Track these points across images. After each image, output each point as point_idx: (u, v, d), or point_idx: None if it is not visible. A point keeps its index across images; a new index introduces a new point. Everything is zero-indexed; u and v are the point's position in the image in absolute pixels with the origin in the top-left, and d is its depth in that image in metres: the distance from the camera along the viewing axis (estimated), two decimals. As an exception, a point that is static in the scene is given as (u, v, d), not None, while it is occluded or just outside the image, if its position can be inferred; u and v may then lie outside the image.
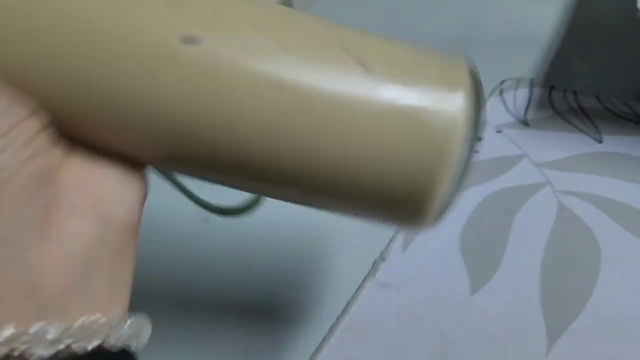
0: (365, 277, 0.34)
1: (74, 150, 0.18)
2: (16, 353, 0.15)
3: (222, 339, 0.34)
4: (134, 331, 0.18)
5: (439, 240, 0.35)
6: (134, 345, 0.17)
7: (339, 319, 0.33)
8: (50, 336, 0.15)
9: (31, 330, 0.15)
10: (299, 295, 0.35)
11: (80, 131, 0.18)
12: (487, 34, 0.52)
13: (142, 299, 0.20)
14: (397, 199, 0.19)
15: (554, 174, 0.38)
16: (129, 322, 0.18)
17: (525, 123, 0.43)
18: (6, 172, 0.15)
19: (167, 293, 0.35)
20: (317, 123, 0.17)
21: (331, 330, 0.32)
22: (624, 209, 0.35)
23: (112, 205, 0.18)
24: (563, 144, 0.40)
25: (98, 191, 0.18)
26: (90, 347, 0.16)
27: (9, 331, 0.15)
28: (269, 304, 0.34)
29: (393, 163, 0.18)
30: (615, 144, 0.40)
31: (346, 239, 0.37)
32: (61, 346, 0.16)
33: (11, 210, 0.16)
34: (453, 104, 0.18)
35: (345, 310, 0.33)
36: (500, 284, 0.33)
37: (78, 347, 0.16)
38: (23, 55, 0.17)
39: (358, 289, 0.34)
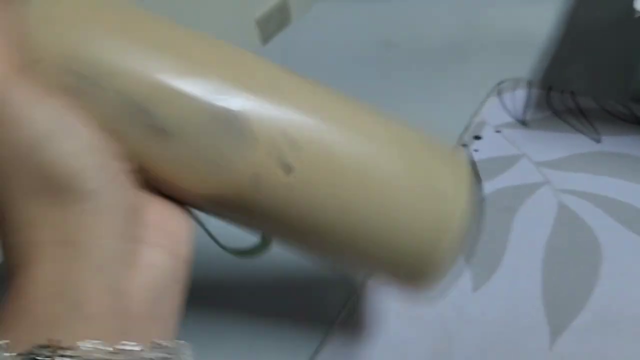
0: (366, 277, 0.34)
1: (152, 195, 0.21)
2: None
3: (228, 337, 0.33)
4: (189, 356, 0.20)
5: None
6: None
7: (340, 318, 0.32)
8: (139, 355, 0.17)
9: (119, 347, 0.17)
10: (301, 295, 0.34)
11: (163, 187, 0.21)
12: (485, 36, 0.53)
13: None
14: (405, 262, 0.22)
15: (553, 173, 0.38)
16: (187, 347, 0.19)
17: (523, 123, 0.43)
18: (108, 202, 0.18)
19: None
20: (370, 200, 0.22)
21: (332, 329, 0.32)
22: (623, 207, 0.35)
23: (181, 242, 0.21)
24: (562, 144, 0.40)
25: (171, 229, 0.21)
26: None
27: (95, 342, 0.17)
28: (273, 302, 0.34)
29: (409, 230, 0.22)
30: (614, 143, 0.40)
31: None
32: None
33: (109, 239, 0.18)
34: (459, 197, 0.22)
35: (346, 309, 0.33)
36: (502, 282, 0.32)
37: None
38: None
39: (360, 288, 0.34)
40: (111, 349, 0.17)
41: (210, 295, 0.35)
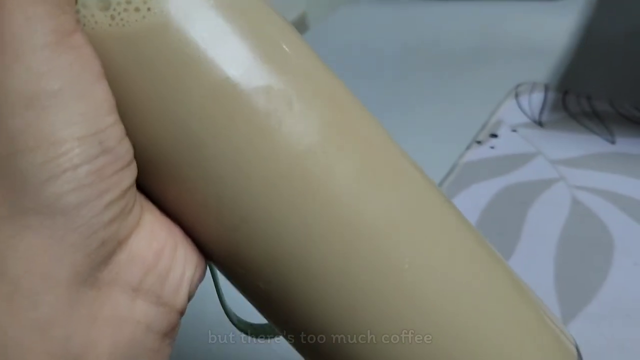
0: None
1: (145, 210, 0.15)
2: None
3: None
4: None
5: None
6: None
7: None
8: None
9: None
10: None
11: (162, 201, 0.16)
12: (503, 41, 0.54)
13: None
14: None
15: (568, 171, 0.39)
16: None
17: (539, 124, 0.44)
18: (77, 222, 0.13)
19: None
20: None
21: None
22: (636, 204, 0.36)
23: (175, 288, 0.15)
24: (577, 144, 0.41)
25: (166, 269, 0.15)
26: None
27: None
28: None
29: None
30: (628, 145, 0.41)
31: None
32: None
33: (64, 280, 0.13)
34: None
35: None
36: (515, 268, 0.33)
37: None
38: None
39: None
40: None
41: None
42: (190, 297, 0.16)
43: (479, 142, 0.43)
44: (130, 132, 0.15)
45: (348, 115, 0.17)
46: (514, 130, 0.43)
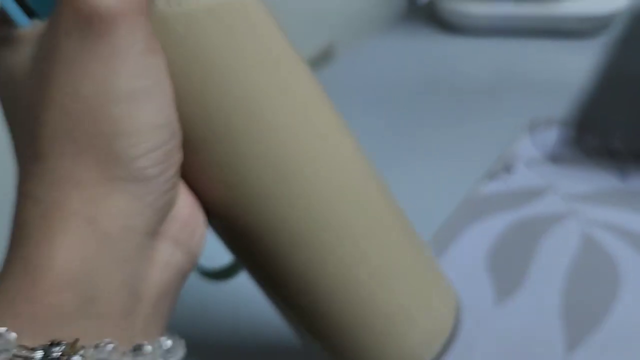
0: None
1: (184, 186, 0.20)
2: None
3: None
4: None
5: (466, 258, 0.38)
6: None
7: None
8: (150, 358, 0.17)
9: (129, 350, 0.16)
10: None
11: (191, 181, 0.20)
12: (520, 78, 0.56)
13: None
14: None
15: (579, 206, 0.40)
16: (182, 344, 0.18)
17: (552, 159, 0.45)
18: (153, 193, 0.17)
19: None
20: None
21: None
22: (645, 240, 0.37)
23: (198, 241, 0.20)
24: (589, 180, 0.42)
25: (194, 226, 0.20)
26: None
27: (111, 345, 0.16)
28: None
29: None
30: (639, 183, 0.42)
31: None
32: None
33: (140, 233, 0.17)
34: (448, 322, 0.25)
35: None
36: (523, 298, 0.34)
37: None
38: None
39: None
40: (121, 352, 0.16)
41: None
42: None
43: (492, 176, 0.44)
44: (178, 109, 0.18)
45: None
46: (527, 165, 0.45)
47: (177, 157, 0.18)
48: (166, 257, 0.18)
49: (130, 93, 0.16)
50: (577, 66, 0.56)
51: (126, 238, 0.17)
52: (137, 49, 0.16)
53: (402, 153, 0.48)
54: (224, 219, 0.21)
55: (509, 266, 0.37)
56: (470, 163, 0.46)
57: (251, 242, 0.21)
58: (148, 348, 0.16)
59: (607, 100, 0.51)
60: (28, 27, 0.17)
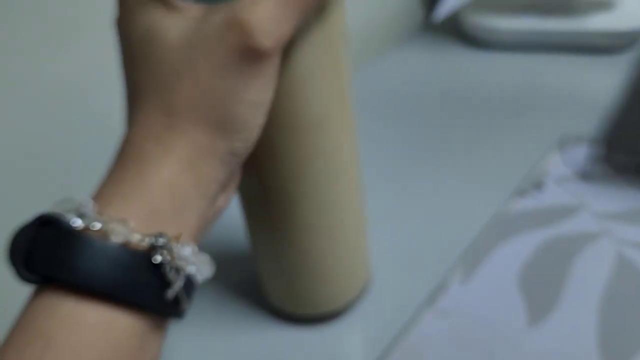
0: (424, 304, 0.36)
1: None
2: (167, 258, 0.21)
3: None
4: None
5: (498, 276, 0.37)
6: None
7: (395, 342, 0.34)
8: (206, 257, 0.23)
9: (179, 245, 0.21)
10: (357, 316, 0.36)
11: None
12: (547, 93, 0.55)
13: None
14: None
15: (613, 225, 0.39)
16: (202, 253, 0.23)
17: (583, 177, 0.44)
18: (232, 169, 0.24)
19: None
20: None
21: (386, 353, 0.33)
22: (683, 262, 0.36)
23: (222, 200, 0.26)
24: (620, 198, 0.41)
25: (230, 189, 0.26)
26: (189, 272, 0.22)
27: (164, 239, 0.21)
28: (325, 322, 0.36)
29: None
30: (674, 202, 0.41)
31: (404, 264, 0.39)
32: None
33: (208, 198, 0.23)
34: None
35: (401, 334, 0.34)
36: (557, 321, 0.33)
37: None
38: None
39: (416, 314, 0.35)
40: (196, 252, 0.22)
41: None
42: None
43: (521, 193, 0.43)
44: None
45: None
46: (558, 183, 0.44)
47: (254, 141, 0.23)
48: (219, 204, 0.25)
49: (255, 103, 0.22)
50: (604, 82, 0.55)
51: (210, 184, 0.22)
52: (269, 73, 0.22)
53: (427, 169, 0.48)
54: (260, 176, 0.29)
55: (541, 287, 0.36)
56: (497, 180, 0.45)
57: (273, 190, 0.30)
58: (207, 255, 0.23)
59: (636, 117, 0.50)
60: (191, 4, 0.22)
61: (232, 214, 0.33)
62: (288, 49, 0.24)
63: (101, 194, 0.21)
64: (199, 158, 0.22)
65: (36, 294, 0.20)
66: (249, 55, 0.21)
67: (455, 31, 0.66)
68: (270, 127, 0.26)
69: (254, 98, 0.22)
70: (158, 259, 0.20)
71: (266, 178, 0.29)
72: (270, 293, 0.36)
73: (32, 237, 0.20)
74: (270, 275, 0.35)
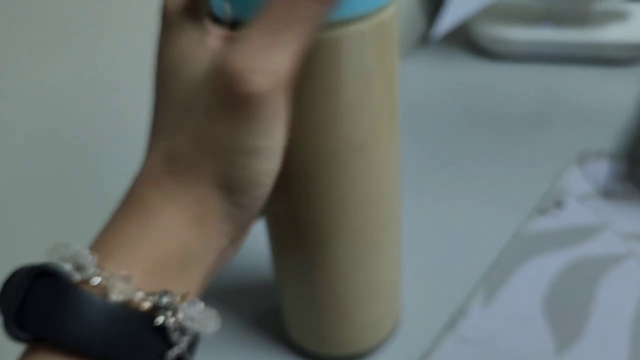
0: (444, 330, 0.34)
1: None
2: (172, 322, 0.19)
3: None
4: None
5: (521, 300, 0.35)
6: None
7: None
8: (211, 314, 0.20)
9: (185, 303, 0.19)
10: (377, 342, 0.34)
11: None
12: (566, 107, 0.53)
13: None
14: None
15: (639, 246, 0.38)
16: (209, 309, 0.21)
17: (605, 194, 0.43)
18: (244, 225, 0.22)
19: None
20: None
21: None
22: None
23: (246, 238, 0.24)
24: (646, 218, 0.40)
25: (249, 230, 0.24)
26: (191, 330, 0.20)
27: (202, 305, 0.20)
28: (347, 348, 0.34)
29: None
30: (701, 221, 0.39)
31: (424, 290, 0.37)
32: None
33: (219, 245, 0.21)
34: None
35: (422, 361, 0.32)
36: (586, 348, 0.32)
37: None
38: None
39: (436, 340, 0.33)
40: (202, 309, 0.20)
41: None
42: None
43: (542, 211, 0.41)
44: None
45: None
46: (579, 201, 0.42)
47: (266, 193, 0.21)
48: (226, 254, 0.22)
49: (253, 149, 0.19)
50: (619, 94, 0.54)
51: (218, 238, 0.21)
52: (267, 116, 0.19)
53: (440, 187, 0.46)
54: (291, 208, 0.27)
55: (567, 311, 0.34)
56: (515, 197, 0.44)
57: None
58: (213, 311, 0.20)
59: (656, 131, 0.49)
60: (220, 30, 0.21)
61: (258, 238, 0.31)
62: (335, 70, 0.22)
63: (100, 243, 0.20)
64: (202, 211, 0.20)
65: (27, 353, 0.18)
66: (236, 101, 0.18)
67: (466, 42, 0.65)
68: (309, 153, 0.24)
69: (254, 144, 0.19)
70: (160, 321, 0.18)
71: (299, 210, 0.27)
72: (292, 328, 0.34)
73: (26, 289, 0.18)
74: (294, 310, 0.32)
